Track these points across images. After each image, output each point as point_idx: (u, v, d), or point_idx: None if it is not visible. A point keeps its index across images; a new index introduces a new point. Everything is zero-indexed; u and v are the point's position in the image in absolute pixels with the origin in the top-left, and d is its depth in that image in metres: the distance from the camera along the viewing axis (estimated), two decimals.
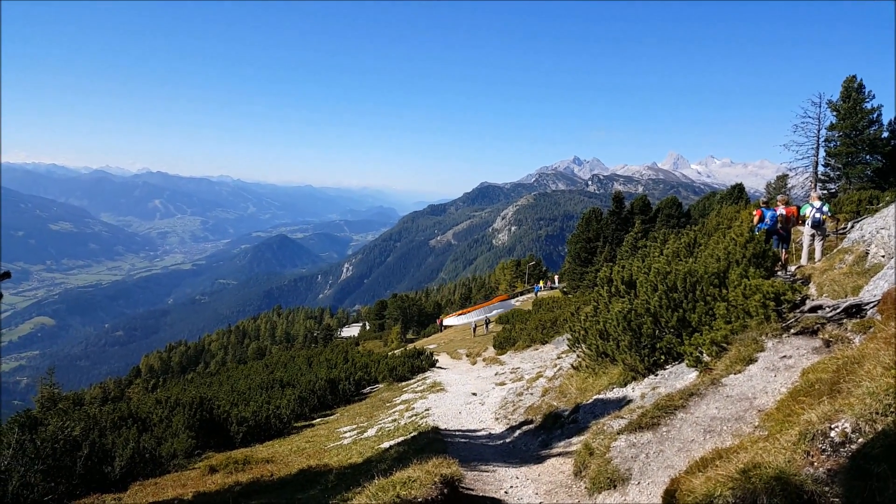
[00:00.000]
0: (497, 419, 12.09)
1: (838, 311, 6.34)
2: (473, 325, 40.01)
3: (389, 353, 33.42)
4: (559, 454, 7.33)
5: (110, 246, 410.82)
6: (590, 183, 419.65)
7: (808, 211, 12.15)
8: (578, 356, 11.29)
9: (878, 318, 5.40)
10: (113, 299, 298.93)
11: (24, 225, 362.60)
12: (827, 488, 2.99)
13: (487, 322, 39.53)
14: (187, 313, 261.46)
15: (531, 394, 13.13)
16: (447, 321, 48.10)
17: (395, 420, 13.86)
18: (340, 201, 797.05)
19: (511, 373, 19.32)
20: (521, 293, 63.20)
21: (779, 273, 10.49)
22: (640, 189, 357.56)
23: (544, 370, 16.28)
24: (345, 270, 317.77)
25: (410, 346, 40.15)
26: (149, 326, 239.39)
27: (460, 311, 48.21)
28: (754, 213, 12.98)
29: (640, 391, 8.22)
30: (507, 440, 9.70)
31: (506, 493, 6.08)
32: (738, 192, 47.82)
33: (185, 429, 13.64)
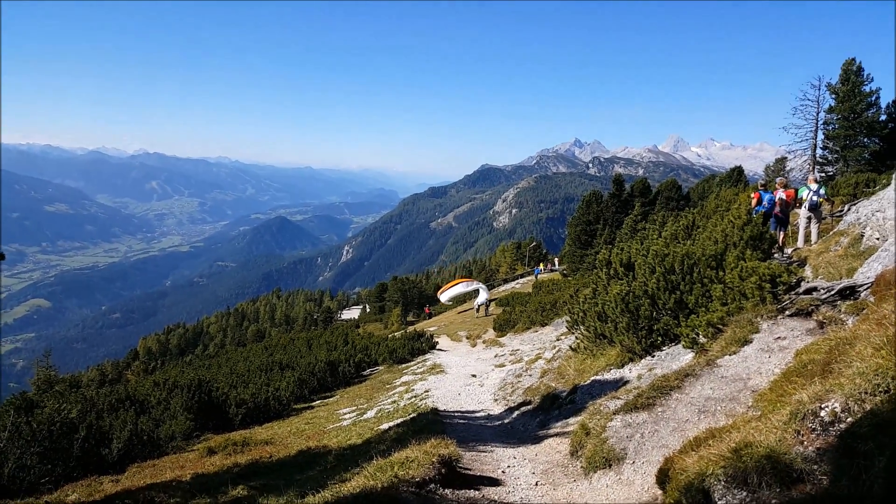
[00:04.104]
0: (496, 400, 12.19)
1: (833, 293, 6.40)
2: (476, 306, 40.19)
3: (389, 336, 33.56)
4: (556, 434, 7.42)
5: (107, 228, 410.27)
6: (590, 165, 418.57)
7: (804, 194, 12.18)
8: (577, 338, 11.36)
9: (872, 299, 5.46)
10: (110, 281, 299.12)
11: (19, 206, 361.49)
12: (816, 466, 3.05)
13: (487, 304, 39.65)
14: (185, 296, 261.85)
15: (530, 375, 13.23)
16: (442, 296, 48.72)
17: (394, 402, 13.95)
18: (341, 183, 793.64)
19: (510, 355, 19.43)
20: (522, 275, 63.33)
21: (775, 255, 10.55)
22: (641, 172, 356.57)
23: (543, 352, 16.37)
24: (345, 253, 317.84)
25: (411, 328, 40.29)
26: (146, 309, 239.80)
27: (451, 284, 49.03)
28: (752, 195, 13.01)
29: (637, 372, 8.30)
30: (506, 421, 9.79)
31: (503, 472, 6.17)
32: (737, 175, 47.81)
33: (183, 411, 13.74)
